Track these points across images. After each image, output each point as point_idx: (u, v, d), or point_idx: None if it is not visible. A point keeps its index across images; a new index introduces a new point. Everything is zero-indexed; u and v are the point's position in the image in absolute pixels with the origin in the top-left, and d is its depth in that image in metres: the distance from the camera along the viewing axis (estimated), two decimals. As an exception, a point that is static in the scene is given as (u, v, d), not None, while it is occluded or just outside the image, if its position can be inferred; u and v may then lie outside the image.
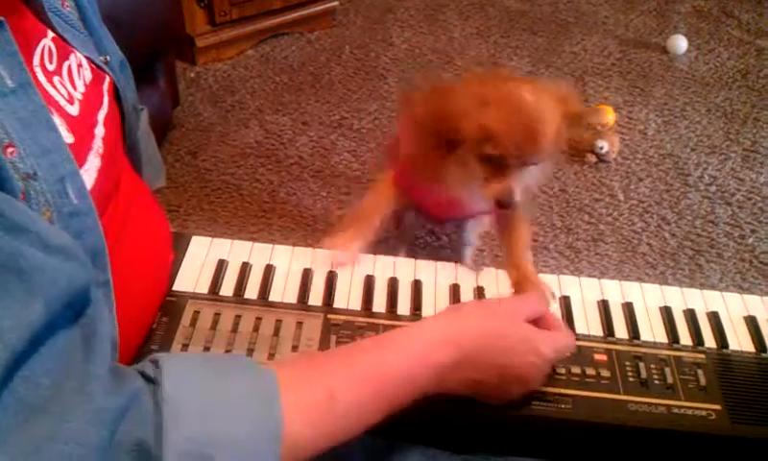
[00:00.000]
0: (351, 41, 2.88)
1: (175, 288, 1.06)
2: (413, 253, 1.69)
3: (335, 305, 1.07)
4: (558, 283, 1.14)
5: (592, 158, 2.24)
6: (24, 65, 0.72)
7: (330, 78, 2.66)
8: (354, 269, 1.14)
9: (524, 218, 1.30)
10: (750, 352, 1.06)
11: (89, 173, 0.83)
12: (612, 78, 2.69)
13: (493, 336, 0.87)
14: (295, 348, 0.98)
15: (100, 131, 0.90)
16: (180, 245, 1.13)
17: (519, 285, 1.16)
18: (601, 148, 2.21)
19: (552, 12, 3.10)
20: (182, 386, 0.66)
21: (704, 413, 0.97)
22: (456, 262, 1.19)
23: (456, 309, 0.94)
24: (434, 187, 1.27)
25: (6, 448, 0.55)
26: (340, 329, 1.02)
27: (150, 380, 0.66)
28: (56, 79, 0.84)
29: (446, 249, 1.91)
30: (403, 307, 1.08)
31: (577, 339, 1.04)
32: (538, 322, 0.93)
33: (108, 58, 1.00)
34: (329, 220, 2.05)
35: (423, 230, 1.91)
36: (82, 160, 0.82)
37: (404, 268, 1.15)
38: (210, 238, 1.16)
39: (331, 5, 2.92)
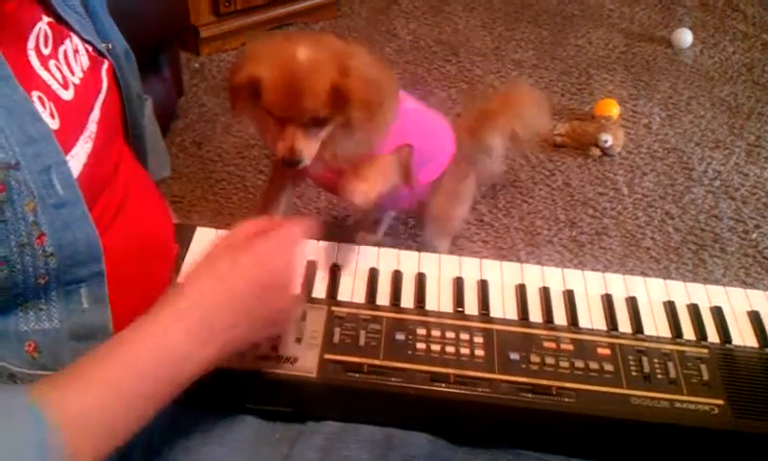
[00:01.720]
0: (356, 32, 2.87)
1: (179, 280, 1.06)
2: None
3: (339, 298, 1.07)
4: (562, 277, 1.14)
5: (597, 152, 2.24)
6: (3, 60, 0.72)
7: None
8: (358, 262, 1.14)
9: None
10: (753, 348, 1.06)
11: (77, 158, 0.83)
12: (616, 71, 2.69)
13: (214, 274, 0.84)
14: (299, 340, 0.98)
15: (95, 115, 0.90)
16: (184, 236, 1.13)
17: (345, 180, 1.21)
18: (605, 141, 2.21)
19: (557, 5, 3.09)
20: None
21: (706, 408, 0.97)
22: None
23: (186, 276, 0.89)
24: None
25: None
26: (344, 322, 1.02)
27: None
28: (51, 62, 0.85)
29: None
30: (407, 300, 1.08)
31: (580, 333, 1.04)
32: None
33: (110, 45, 1.00)
34: (333, 212, 2.05)
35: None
36: (69, 146, 0.82)
37: (408, 261, 1.15)
38: (215, 229, 1.16)
39: (336, -5, 2.91)
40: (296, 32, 1.31)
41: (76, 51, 0.91)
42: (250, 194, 2.09)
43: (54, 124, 0.79)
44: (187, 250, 1.11)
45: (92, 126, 0.88)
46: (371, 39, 2.82)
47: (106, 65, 0.97)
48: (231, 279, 0.83)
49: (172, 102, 2.25)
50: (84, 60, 0.92)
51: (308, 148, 1.18)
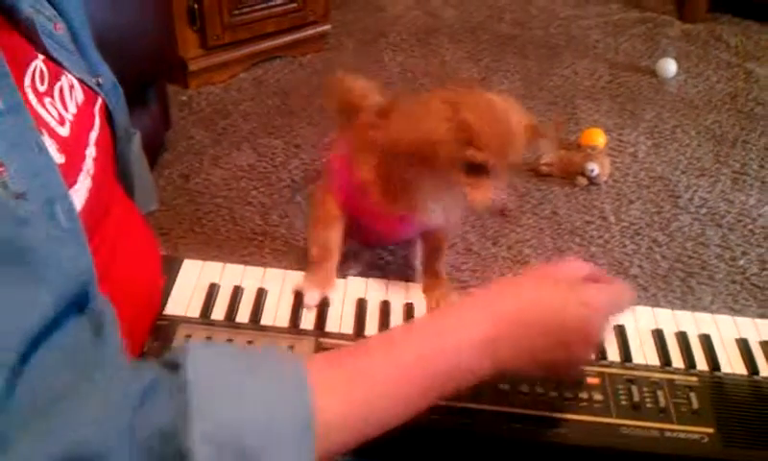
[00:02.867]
0: (343, 65, 2.88)
1: (166, 312, 1.06)
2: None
3: (327, 329, 1.07)
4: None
5: (583, 181, 2.25)
6: (15, 87, 0.72)
7: (322, 101, 2.67)
8: (346, 293, 1.14)
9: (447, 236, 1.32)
10: (742, 375, 1.06)
11: (79, 194, 0.83)
12: (602, 101, 2.71)
13: (533, 298, 0.83)
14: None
15: (91, 152, 0.90)
16: (171, 268, 1.13)
17: (429, 288, 1.19)
18: (592, 170, 2.22)
19: (543, 36, 3.12)
20: (208, 372, 0.65)
21: (696, 437, 0.97)
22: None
23: (490, 287, 0.88)
24: (389, 209, 1.22)
25: (22, 436, 0.55)
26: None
27: (174, 367, 0.65)
28: (47, 100, 0.85)
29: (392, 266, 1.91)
30: (395, 330, 1.07)
31: (569, 362, 1.04)
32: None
33: (100, 79, 1.00)
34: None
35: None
36: (72, 181, 0.82)
37: (396, 291, 1.15)
38: (202, 262, 1.16)
39: (324, 28, 2.93)
40: (438, 90, 1.20)
41: (71, 87, 0.91)
42: (237, 226, 2.09)
43: (60, 159, 0.79)
44: (174, 282, 1.11)
45: (89, 162, 0.89)
46: (358, 72, 2.83)
47: (99, 101, 0.98)
48: (545, 314, 0.82)
49: (160, 135, 2.25)
50: (79, 96, 0.92)
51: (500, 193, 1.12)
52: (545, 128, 1.14)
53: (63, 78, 0.90)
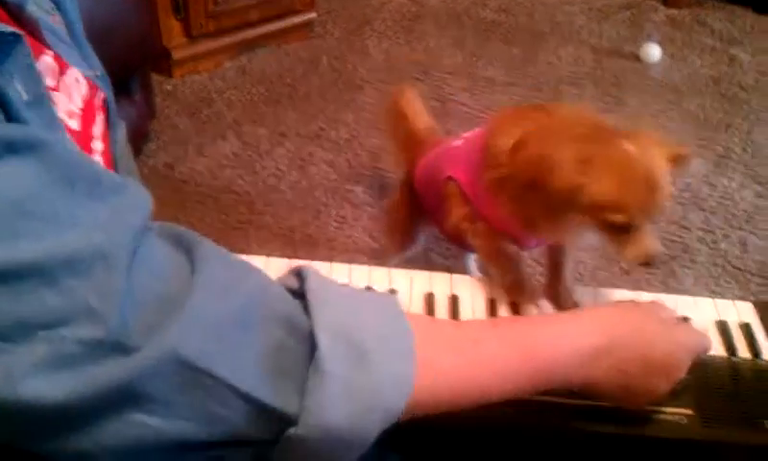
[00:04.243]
0: (329, 53, 2.89)
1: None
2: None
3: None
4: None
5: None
6: (39, 78, 0.72)
7: (307, 89, 2.67)
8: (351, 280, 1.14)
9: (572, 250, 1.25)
10: (721, 357, 1.07)
11: None
12: (586, 86, 2.72)
13: (641, 328, 0.86)
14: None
15: (97, 146, 0.90)
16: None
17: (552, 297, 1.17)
18: (576, 156, 2.23)
19: (527, 22, 3.13)
20: (325, 286, 0.67)
21: (676, 418, 0.97)
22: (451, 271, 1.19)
23: (606, 306, 0.94)
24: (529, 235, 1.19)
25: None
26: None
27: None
28: (56, 95, 0.85)
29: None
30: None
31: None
32: None
33: (97, 72, 1.00)
34: (307, 231, 2.05)
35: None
36: None
37: (379, 278, 1.15)
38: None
39: (309, 17, 2.93)
40: (572, 115, 1.10)
41: (77, 81, 0.91)
42: (222, 215, 2.09)
43: None
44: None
45: (98, 156, 0.89)
46: (344, 59, 2.84)
47: (99, 94, 0.98)
48: (644, 347, 0.85)
49: (144, 125, 2.25)
50: (84, 89, 0.92)
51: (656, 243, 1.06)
52: (687, 150, 1.09)
53: (69, 72, 0.90)
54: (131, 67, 2.06)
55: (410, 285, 1.15)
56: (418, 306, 1.11)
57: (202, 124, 2.47)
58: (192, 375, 0.57)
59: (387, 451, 0.95)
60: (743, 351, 1.08)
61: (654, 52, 2.85)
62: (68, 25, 0.96)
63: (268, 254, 1.18)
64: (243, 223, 2.07)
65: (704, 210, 2.17)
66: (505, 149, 1.11)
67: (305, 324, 0.62)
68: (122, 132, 1.20)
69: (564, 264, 1.21)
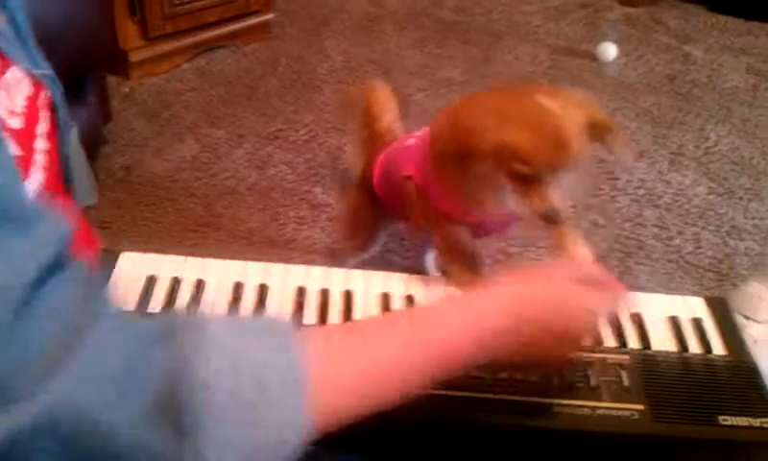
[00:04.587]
0: (287, 53, 2.88)
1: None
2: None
3: (265, 319, 1.07)
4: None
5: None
6: None
7: (266, 90, 2.66)
8: (286, 282, 1.14)
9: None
10: (673, 352, 1.09)
11: (31, 187, 0.83)
12: (543, 85, 2.74)
13: (537, 296, 0.85)
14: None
15: (40, 144, 0.89)
16: (108, 262, 1.12)
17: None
18: (532, 155, 2.24)
19: (485, 23, 3.15)
20: (206, 331, 0.64)
21: (627, 413, 0.98)
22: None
23: (500, 280, 0.89)
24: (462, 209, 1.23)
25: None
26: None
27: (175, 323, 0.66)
28: None
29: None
30: (334, 318, 1.07)
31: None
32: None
33: (45, 71, 0.99)
34: (266, 233, 2.05)
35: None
36: (25, 175, 0.82)
37: (336, 280, 1.16)
38: (140, 254, 1.15)
39: (267, 17, 2.92)
40: (500, 89, 1.20)
41: (18, 79, 0.90)
42: (181, 217, 2.08)
43: (17, 152, 0.79)
44: (110, 275, 1.10)
45: (40, 155, 0.88)
46: (302, 60, 2.84)
47: (43, 94, 0.97)
48: (542, 306, 0.84)
49: (98, 128, 2.22)
50: (27, 88, 0.91)
51: (562, 200, 1.09)
52: (613, 123, 1.11)
53: (10, 70, 0.89)
54: (85, 69, 2.04)
55: (366, 286, 1.16)
56: (373, 307, 1.11)
57: (159, 126, 2.45)
58: (78, 424, 0.56)
59: (344, 452, 0.96)
60: (694, 347, 1.09)
61: (610, 51, 2.89)
62: (14, 24, 0.95)
63: (230, 258, 1.17)
64: (201, 225, 2.06)
65: (658, 207, 2.20)
66: (439, 125, 1.18)
67: (189, 376, 0.60)
68: (74, 134, 1.19)
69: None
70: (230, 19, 2.81)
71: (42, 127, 0.92)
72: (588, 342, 0.93)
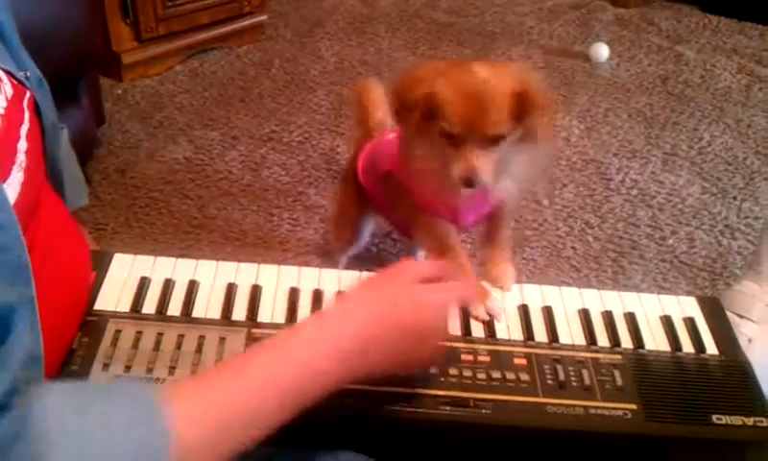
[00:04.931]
0: (280, 55, 2.88)
1: (96, 307, 1.05)
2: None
3: (259, 320, 1.07)
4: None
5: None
6: None
7: (260, 92, 2.66)
8: (279, 283, 1.14)
9: (508, 217, 1.34)
10: (665, 352, 1.09)
11: (12, 187, 0.83)
12: (536, 86, 2.74)
13: (376, 305, 0.88)
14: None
15: (23, 145, 0.89)
16: (101, 263, 1.12)
17: (485, 270, 1.22)
18: (526, 155, 2.25)
19: (479, 24, 3.15)
20: (56, 417, 0.65)
21: (620, 413, 0.99)
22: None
23: (347, 296, 0.93)
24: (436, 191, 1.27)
25: None
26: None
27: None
28: None
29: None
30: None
31: (498, 344, 1.06)
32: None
33: (28, 73, 0.99)
34: (259, 234, 2.05)
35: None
36: (4, 175, 0.82)
37: (329, 280, 1.16)
38: (133, 255, 1.15)
39: (260, 19, 2.92)
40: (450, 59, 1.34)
41: (0, 80, 0.90)
42: (174, 219, 2.07)
43: None
44: (104, 276, 1.10)
45: (21, 156, 0.88)
46: (296, 62, 2.84)
47: (27, 95, 0.97)
48: (390, 317, 0.87)
49: (91, 129, 2.21)
50: (8, 89, 0.91)
51: (486, 166, 1.13)
52: (542, 100, 1.14)
53: None
54: (77, 71, 2.03)
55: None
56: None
57: (153, 128, 2.45)
58: None
59: (339, 449, 0.96)
60: (688, 346, 1.10)
61: (602, 51, 2.89)
62: None
63: (224, 260, 1.17)
64: (195, 227, 2.05)
65: (651, 207, 2.20)
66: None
67: None
68: (64, 136, 1.19)
69: (502, 216, 1.31)
70: (223, 21, 2.81)
71: (25, 128, 0.92)
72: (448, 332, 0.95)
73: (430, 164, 1.20)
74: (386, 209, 1.54)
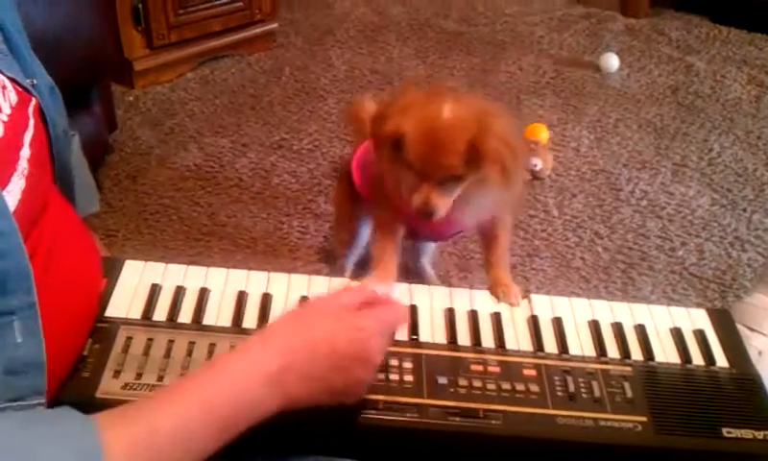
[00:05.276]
0: (291, 63, 2.89)
1: (107, 314, 1.05)
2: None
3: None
4: (490, 300, 1.17)
5: (526, 175, 2.28)
6: None
7: (270, 99, 2.67)
8: (289, 291, 1.15)
9: (504, 229, 1.37)
10: (675, 364, 1.09)
11: (13, 194, 0.83)
12: (546, 96, 2.75)
13: (309, 331, 0.87)
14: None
15: (25, 152, 0.90)
16: (112, 270, 1.12)
17: (492, 290, 1.22)
18: (535, 165, 2.25)
19: (489, 33, 3.16)
20: None
21: (630, 425, 0.98)
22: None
23: (273, 324, 0.93)
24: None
25: None
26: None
27: None
28: None
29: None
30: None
31: (507, 355, 1.06)
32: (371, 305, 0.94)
33: (34, 81, 0.99)
34: (269, 241, 2.05)
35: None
36: (5, 182, 0.82)
37: (338, 288, 1.16)
38: (144, 262, 1.15)
39: (271, 27, 2.93)
40: (441, 87, 1.38)
41: (3, 87, 0.90)
42: (185, 226, 2.08)
43: None
44: (116, 283, 1.11)
45: (24, 163, 0.88)
46: (306, 70, 2.85)
47: (33, 102, 0.97)
48: (322, 343, 0.86)
49: (104, 136, 2.23)
50: (12, 97, 0.92)
51: (442, 203, 1.20)
52: (493, 147, 1.17)
53: None
54: (89, 78, 2.04)
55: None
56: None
57: (164, 135, 2.46)
58: None
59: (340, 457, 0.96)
60: (698, 359, 1.09)
61: (612, 62, 2.89)
62: (4, 33, 0.96)
63: (233, 267, 1.18)
64: (205, 234, 2.06)
65: (661, 218, 2.20)
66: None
67: None
68: (76, 142, 1.20)
69: (497, 240, 1.37)
70: (234, 29, 2.83)
71: (29, 134, 0.93)
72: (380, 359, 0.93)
73: (399, 188, 1.26)
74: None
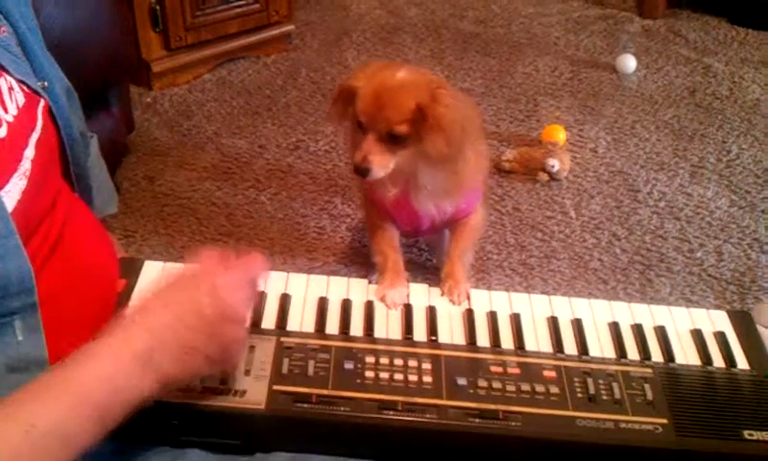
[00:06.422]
0: (307, 64, 2.89)
1: (132, 306, 1.05)
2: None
3: (288, 328, 1.07)
4: (508, 301, 1.16)
5: (544, 177, 2.27)
6: None
7: (287, 101, 2.68)
8: (308, 291, 1.15)
9: (470, 226, 1.44)
10: (696, 366, 1.08)
11: (11, 195, 0.84)
12: (563, 97, 2.74)
13: (169, 303, 0.86)
14: (247, 372, 0.98)
15: (30, 153, 0.90)
16: (132, 270, 1.13)
17: (441, 282, 1.23)
18: (552, 166, 2.25)
19: (505, 34, 3.15)
20: None
21: (650, 427, 0.98)
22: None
23: (131, 308, 0.93)
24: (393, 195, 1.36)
25: None
26: (293, 352, 1.02)
27: None
28: None
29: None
30: (356, 329, 1.09)
31: (527, 356, 1.06)
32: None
33: (45, 83, 1.00)
34: (286, 242, 2.05)
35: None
36: (3, 182, 0.82)
37: (357, 290, 1.16)
38: (163, 263, 1.16)
39: (287, 28, 2.94)
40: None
41: (10, 89, 0.91)
42: (202, 227, 2.09)
43: None
44: (135, 283, 1.11)
45: (27, 163, 0.89)
46: (322, 71, 2.85)
47: (42, 104, 0.97)
48: (186, 313, 0.85)
49: (122, 137, 2.24)
50: (20, 98, 0.92)
51: (381, 160, 1.25)
52: (439, 113, 1.22)
53: (2, 79, 0.90)
54: (107, 80, 2.06)
55: (388, 297, 1.16)
56: (394, 318, 1.12)
57: (181, 136, 2.46)
58: None
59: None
60: (718, 361, 1.09)
61: (629, 63, 2.88)
62: (18, 35, 0.97)
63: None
64: (222, 234, 2.07)
65: (679, 220, 2.19)
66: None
67: None
68: (94, 144, 1.20)
69: (462, 234, 1.44)
70: (251, 31, 2.83)
71: (35, 136, 0.93)
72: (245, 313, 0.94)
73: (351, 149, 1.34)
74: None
